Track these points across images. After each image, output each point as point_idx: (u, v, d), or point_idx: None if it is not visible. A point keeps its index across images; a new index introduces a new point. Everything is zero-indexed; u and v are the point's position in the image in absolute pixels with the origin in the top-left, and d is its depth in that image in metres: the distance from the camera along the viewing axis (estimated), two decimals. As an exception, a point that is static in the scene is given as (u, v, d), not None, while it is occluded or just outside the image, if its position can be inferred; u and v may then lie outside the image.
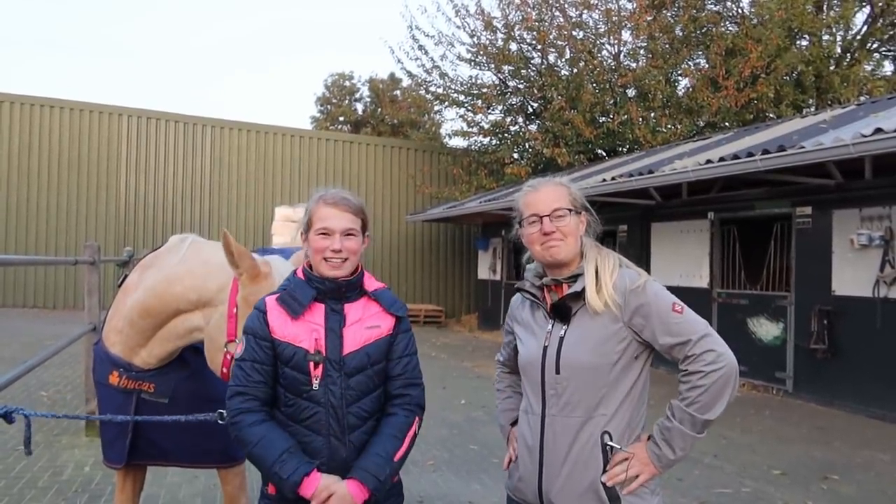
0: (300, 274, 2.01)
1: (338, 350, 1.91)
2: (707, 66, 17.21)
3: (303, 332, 1.91)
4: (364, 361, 1.93)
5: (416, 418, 2.01)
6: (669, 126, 16.52)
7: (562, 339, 1.87)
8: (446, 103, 19.56)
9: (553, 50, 17.96)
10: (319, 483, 1.82)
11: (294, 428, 1.91)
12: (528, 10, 17.58)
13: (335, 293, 1.95)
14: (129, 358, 2.75)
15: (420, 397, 2.04)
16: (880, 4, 16.87)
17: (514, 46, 18.05)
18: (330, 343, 1.91)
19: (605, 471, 1.82)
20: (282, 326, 1.91)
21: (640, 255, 10.68)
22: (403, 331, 2.02)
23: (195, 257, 2.69)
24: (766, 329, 8.94)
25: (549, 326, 1.91)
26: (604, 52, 18.13)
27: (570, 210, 1.91)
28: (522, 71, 18.11)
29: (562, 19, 17.58)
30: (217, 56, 62.88)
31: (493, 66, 18.25)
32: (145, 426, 2.79)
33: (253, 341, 1.92)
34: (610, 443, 1.82)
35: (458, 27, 19.26)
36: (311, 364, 1.89)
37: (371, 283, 2.02)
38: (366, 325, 1.96)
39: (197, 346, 2.83)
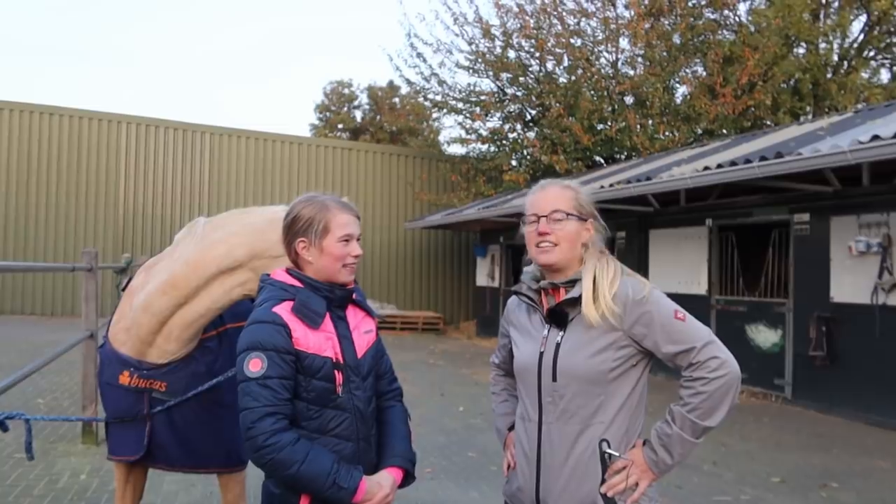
0: (293, 280, 1.95)
1: (353, 356, 1.96)
2: (705, 73, 17.29)
3: (323, 341, 1.90)
4: (371, 364, 2.03)
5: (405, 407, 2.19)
6: (667, 133, 16.58)
7: (558, 345, 1.85)
8: (445, 111, 19.62)
9: (551, 57, 18.02)
10: (367, 485, 1.86)
11: (322, 440, 1.88)
12: (527, 18, 17.66)
13: (342, 301, 1.98)
14: (142, 354, 2.73)
15: (401, 389, 2.21)
16: (877, 13, 16.96)
17: (512, 54, 18.12)
18: (345, 349, 1.94)
19: (603, 478, 1.81)
20: (305, 338, 1.87)
21: (639, 262, 10.68)
22: (377, 331, 2.14)
23: (232, 224, 2.72)
24: (764, 336, 8.93)
25: (546, 331, 1.89)
26: (602, 60, 18.21)
27: (569, 214, 1.87)
28: (520, 78, 18.16)
29: (560, 27, 17.66)
30: (217, 65, 63.09)
31: (491, 73, 18.31)
32: (156, 430, 2.78)
33: (277, 357, 1.82)
34: (608, 450, 1.80)
35: (457, 35, 19.37)
36: (335, 372, 1.91)
37: None
38: (363, 329, 2.03)
39: (207, 345, 2.82)
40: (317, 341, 1.89)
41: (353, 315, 2.03)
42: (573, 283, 1.87)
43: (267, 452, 1.77)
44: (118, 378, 2.75)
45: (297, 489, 1.84)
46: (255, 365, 1.82)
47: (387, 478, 1.94)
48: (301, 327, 1.87)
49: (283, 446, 1.77)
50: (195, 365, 2.78)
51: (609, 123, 16.90)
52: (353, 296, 2.04)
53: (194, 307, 2.65)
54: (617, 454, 1.81)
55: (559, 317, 1.88)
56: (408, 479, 2.03)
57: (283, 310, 1.87)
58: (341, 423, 1.91)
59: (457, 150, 20.29)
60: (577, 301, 1.84)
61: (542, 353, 1.87)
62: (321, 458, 1.81)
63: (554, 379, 1.84)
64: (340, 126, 34.02)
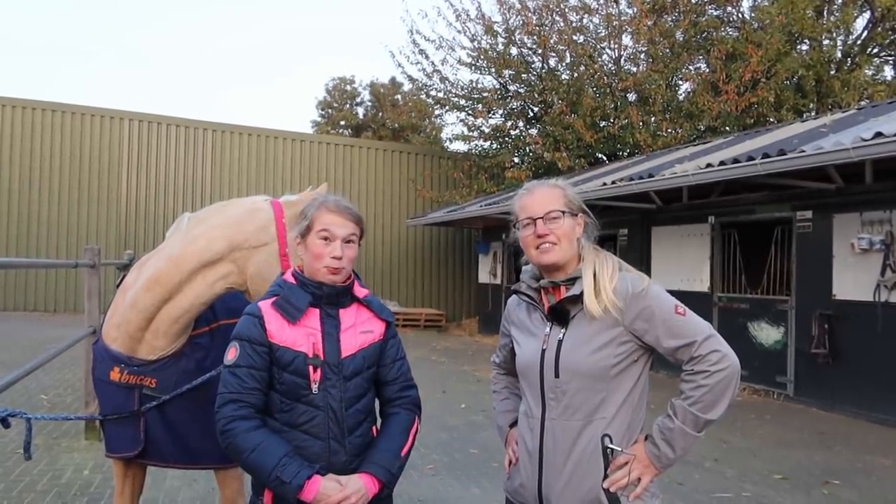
0: (290, 278, 2.01)
1: (336, 354, 1.94)
2: (707, 70, 17.25)
3: (300, 336, 1.92)
4: (360, 365, 1.98)
5: (416, 417, 2.09)
6: (670, 130, 16.55)
7: (560, 342, 1.86)
8: (447, 107, 19.61)
9: (553, 54, 18.00)
10: (320, 486, 1.83)
11: (291, 433, 1.90)
12: (529, 14, 17.63)
13: (331, 298, 1.97)
14: (132, 349, 2.72)
15: (417, 397, 2.12)
16: (880, 10, 16.90)
17: (514, 51, 18.10)
18: (328, 347, 1.93)
19: (605, 474, 1.82)
20: (280, 331, 1.92)
21: (641, 259, 10.67)
22: (392, 336, 2.10)
23: (213, 217, 2.72)
24: (766, 333, 8.93)
25: (547, 329, 1.90)
26: (604, 57, 18.19)
27: (563, 212, 1.89)
28: (523, 75, 18.14)
29: (562, 24, 17.63)
30: (222, 65, 62.96)
31: (493, 70, 18.29)
32: (149, 426, 2.78)
33: (248, 347, 1.90)
34: (611, 445, 1.82)
35: (459, 31, 19.39)
36: (311, 368, 1.90)
37: (359, 290, 2.06)
38: (360, 329, 2.01)
39: (198, 341, 2.82)
40: (293, 335, 1.91)
41: (351, 314, 2.01)
42: (573, 280, 1.89)
43: (225, 437, 1.86)
44: (109, 374, 2.75)
45: (253, 477, 1.91)
46: (230, 353, 1.93)
47: (354, 482, 1.87)
48: (278, 320, 1.92)
49: (239, 433, 1.84)
50: (185, 361, 2.78)
51: (612, 120, 16.88)
52: (363, 296, 2.04)
53: (179, 302, 2.64)
54: (619, 449, 1.81)
55: (561, 314, 1.89)
56: (383, 490, 1.94)
57: (266, 303, 1.96)
58: (311, 419, 1.91)
59: (459, 147, 20.32)
60: (577, 298, 1.85)
61: (544, 351, 1.88)
62: (271, 450, 1.83)
63: (556, 375, 1.85)
64: (343, 123, 33.97)
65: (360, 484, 1.88)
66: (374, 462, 1.93)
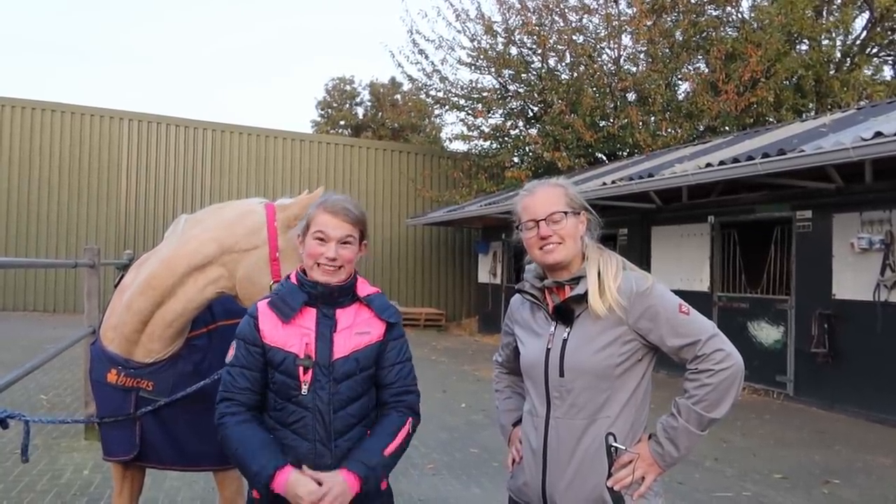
0: (293, 278, 2.01)
1: (327, 355, 1.91)
2: (707, 70, 17.26)
3: (293, 336, 1.92)
4: (353, 367, 1.94)
5: (409, 419, 2.01)
6: (669, 130, 16.56)
7: (565, 341, 1.86)
8: (447, 107, 19.62)
9: (553, 54, 18.01)
10: (289, 477, 1.81)
11: (282, 432, 1.92)
12: (529, 14, 17.64)
13: (327, 298, 1.95)
14: (129, 352, 2.70)
15: (414, 403, 2.05)
16: (879, 10, 16.91)
17: (514, 50, 18.11)
18: (320, 348, 1.91)
19: (609, 472, 1.82)
20: (272, 331, 1.92)
21: (641, 259, 10.67)
22: (395, 338, 2.02)
23: (207, 219, 2.70)
24: (766, 333, 8.93)
25: (552, 328, 1.90)
26: (604, 57, 18.20)
27: (566, 212, 1.88)
28: (523, 75, 18.15)
29: (562, 24, 17.64)
30: (221, 64, 62.92)
31: (493, 70, 18.29)
32: (146, 429, 2.77)
33: (243, 347, 1.95)
34: (615, 444, 1.82)
35: (459, 31, 19.41)
36: (301, 369, 1.89)
37: (364, 289, 2.02)
38: (356, 330, 1.96)
39: (195, 343, 2.81)
40: (285, 335, 1.92)
41: (350, 315, 1.98)
42: (577, 280, 1.89)
43: (219, 431, 1.93)
44: (106, 376, 2.73)
45: (239, 470, 1.97)
46: (230, 352, 1.98)
47: (332, 477, 1.83)
48: (272, 320, 1.94)
49: (227, 428, 1.91)
50: (182, 364, 2.75)
51: (611, 120, 16.89)
52: (366, 294, 2.01)
53: (172, 306, 2.61)
54: (623, 448, 1.81)
55: (565, 313, 1.88)
56: (363, 487, 1.87)
57: (263, 303, 1.99)
58: (300, 420, 1.91)
59: (459, 146, 20.34)
60: (582, 298, 1.85)
61: (548, 350, 1.88)
62: (250, 442, 1.87)
63: (561, 374, 1.85)
64: (342, 122, 33.96)
65: (340, 479, 1.83)
66: (355, 459, 1.89)
